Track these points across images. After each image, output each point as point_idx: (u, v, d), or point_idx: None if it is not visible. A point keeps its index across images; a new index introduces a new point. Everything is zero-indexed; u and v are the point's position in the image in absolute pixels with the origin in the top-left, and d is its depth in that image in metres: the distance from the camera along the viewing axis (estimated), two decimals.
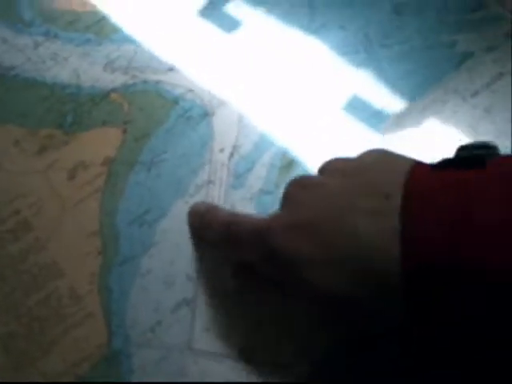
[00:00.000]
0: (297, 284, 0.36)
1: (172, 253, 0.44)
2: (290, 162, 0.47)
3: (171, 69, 0.51)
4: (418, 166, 0.34)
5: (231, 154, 0.47)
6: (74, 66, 0.50)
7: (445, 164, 0.33)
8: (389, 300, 0.32)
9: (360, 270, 0.32)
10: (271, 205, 0.45)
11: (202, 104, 0.49)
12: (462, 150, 0.36)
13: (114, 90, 0.49)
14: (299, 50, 0.51)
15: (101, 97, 0.48)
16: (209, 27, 0.52)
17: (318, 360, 0.40)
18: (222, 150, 0.47)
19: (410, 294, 0.31)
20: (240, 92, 0.49)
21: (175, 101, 0.48)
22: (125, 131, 0.47)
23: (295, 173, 0.46)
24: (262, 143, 0.47)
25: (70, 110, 0.48)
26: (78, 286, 0.42)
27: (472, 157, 0.34)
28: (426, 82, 0.49)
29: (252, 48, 0.51)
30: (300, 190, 0.37)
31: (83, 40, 0.51)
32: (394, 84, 0.49)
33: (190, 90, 0.49)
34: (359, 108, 0.49)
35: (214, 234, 0.42)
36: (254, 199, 0.46)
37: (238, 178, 0.46)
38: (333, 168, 0.38)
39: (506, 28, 0.50)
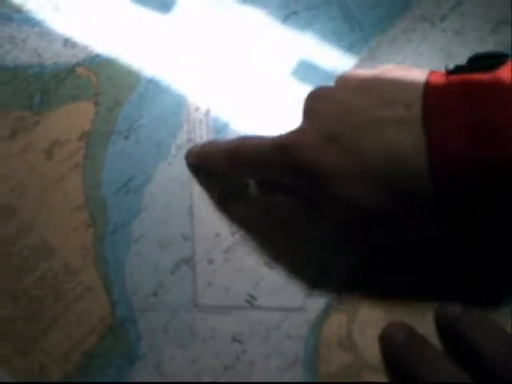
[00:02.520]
0: (325, 197, 0.36)
1: (163, 215, 0.43)
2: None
3: None
4: (433, 74, 0.34)
5: (207, 111, 0.45)
6: (34, 46, 0.48)
7: (458, 70, 0.34)
8: (420, 206, 0.33)
9: (390, 179, 0.33)
10: None
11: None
12: (474, 59, 0.36)
13: (78, 64, 0.47)
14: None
15: (66, 72, 0.47)
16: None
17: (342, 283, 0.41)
18: (197, 109, 0.46)
19: (440, 199, 0.32)
20: (187, 71, 0.48)
21: (142, 67, 0.47)
22: (96, 103, 0.46)
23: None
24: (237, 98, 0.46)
25: (36, 90, 0.46)
26: (72, 262, 0.41)
27: (484, 62, 0.34)
28: (392, 12, 0.49)
29: (192, 26, 0.50)
30: (320, 102, 0.37)
31: (38, 20, 0.49)
32: (361, 20, 0.48)
33: None
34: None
35: (220, 163, 0.41)
36: None
37: (218, 133, 0.46)
38: (351, 79, 0.37)
39: None
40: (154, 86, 0.46)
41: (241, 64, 0.48)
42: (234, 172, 0.42)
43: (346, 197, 0.34)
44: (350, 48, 0.47)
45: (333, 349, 0.38)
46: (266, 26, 0.49)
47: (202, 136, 0.46)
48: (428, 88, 0.33)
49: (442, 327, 0.38)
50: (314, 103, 0.37)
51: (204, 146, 0.43)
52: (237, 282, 0.41)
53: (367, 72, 0.38)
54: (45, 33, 0.49)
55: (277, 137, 0.37)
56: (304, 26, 0.48)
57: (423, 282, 0.40)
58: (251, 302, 0.40)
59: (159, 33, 0.49)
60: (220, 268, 0.41)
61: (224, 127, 0.46)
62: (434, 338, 0.38)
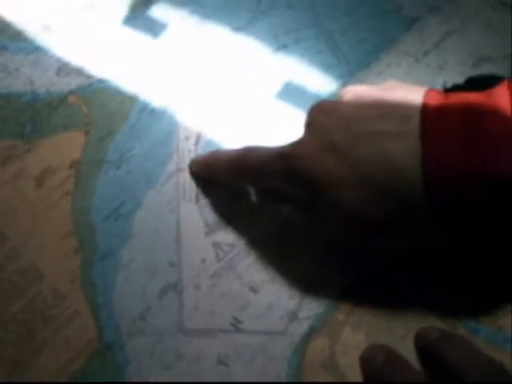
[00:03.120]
0: (325, 205, 0.37)
1: (151, 241, 0.44)
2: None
3: None
4: (431, 91, 0.36)
5: (197, 141, 0.46)
6: (27, 75, 0.49)
7: (456, 89, 0.36)
8: (415, 213, 0.34)
9: (387, 189, 0.34)
10: None
11: (162, 96, 0.48)
12: (471, 80, 0.38)
13: (70, 92, 0.48)
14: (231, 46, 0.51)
15: (58, 101, 0.48)
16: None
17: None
18: (187, 138, 0.47)
19: (434, 207, 0.33)
20: (178, 97, 0.49)
21: (135, 95, 0.48)
22: (87, 133, 0.46)
23: None
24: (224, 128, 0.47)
25: (28, 118, 0.47)
26: (61, 286, 0.42)
27: (481, 82, 0.36)
28: (378, 47, 0.50)
29: (182, 52, 0.51)
30: (322, 114, 0.38)
31: (33, 48, 0.50)
32: (347, 54, 0.49)
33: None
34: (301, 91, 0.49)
35: (224, 172, 0.42)
36: None
37: None
38: (353, 93, 0.39)
39: None
40: (145, 116, 0.47)
41: (230, 90, 0.49)
42: (237, 181, 0.43)
43: (345, 204, 0.35)
44: (337, 79, 0.48)
45: (316, 370, 0.39)
46: (257, 55, 0.50)
47: None
48: (426, 103, 0.35)
49: (422, 349, 0.39)
50: (316, 115, 0.38)
51: (208, 155, 0.44)
52: (222, 306, 0.42)
53: (368, 87, 0.39)
54: (39, 61, 0.50)
55: (279, 147, 0.38)
56: (293, 57, 0.50)
57: (413, 293, 0.42)
58: (236, 326, 0.40)
59: (150, 58, 0.50)
60: (206, 293, 0.42)
61: None
62: (414, 361, 0.39)
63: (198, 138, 0.47)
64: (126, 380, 0.39)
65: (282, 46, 0.50)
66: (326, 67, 0.49)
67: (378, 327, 0.40)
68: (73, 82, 0.49)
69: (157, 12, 0.52)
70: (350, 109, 0.37)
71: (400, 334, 0.40)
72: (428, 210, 0.34)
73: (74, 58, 0.50)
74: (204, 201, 0.45)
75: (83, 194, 0.45)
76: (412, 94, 0.36)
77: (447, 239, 0.36)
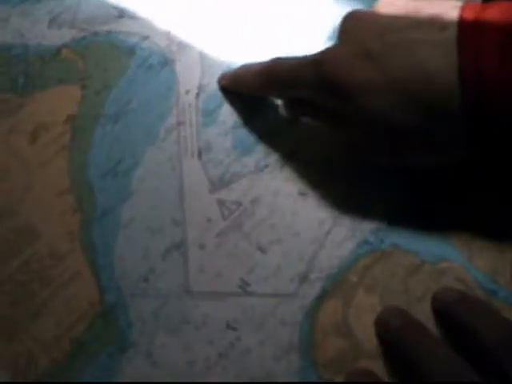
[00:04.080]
0: (353, 114, 0.36)
1: (152, 199, 0.42)
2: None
3: (121, 16, 0.48)
4: (469, 2, 0.35)
5: (197, 94, 0.45)
6: (16, 26, 0.47)
7: None
8: (448, 124, 0.34)
9: (420, 97, 0.34)
10: (247, 137, 0.44)
11: (160, 51, 0.46)
12: None
13: (63, 46, 0.46)
14: None
15: (50, 54, 0.46)
16: None
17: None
18: (187, 92, 0.45)
19: (469, 117, 0.33)
20: (199, 29, 0.47)
21: (131, 51, 0.46)
22: (83, 87, 0.44)
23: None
24: None
25: (19, 72, 0.45)
26: (59, 246, 0.40)
27: None
28: None
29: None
30: (356, 22, 0.38)
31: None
32: None
33: (145, 37, 0.47)
34: None
35: (254, 82, 0.42)
36: (229, 134, 0.44)
37: (209, 116, 0.45)
38: (389, 3, 0.38)
39: None
40: (143, 71, 0.45)
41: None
42: (267, 91, 0.42)
43: (375, 111, 0.35)
44: None
45: (329, 335, 0.38)
46: None
47: (192, 119, 0.45)
48: (463, 12, 0.34)
49: (438, 312, 0.37)
50: (351, 23, 0.38)
51: (237, 68, 0.44)
52: (229, 267, 0.40)
53: None
54: (27, 12, 0.47)
55: (310, 55, 0.38)
56: None
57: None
58: (244, 288, 0.39)
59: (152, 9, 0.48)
60: (212, 253, 0.40)
61: (214, 110, 0.45)
62: (430, 324, 0.38)
63: (199, 91, 0.45)
64: (130, 342, 0.38)
65: None
66: None
67: (392, 289, 0.39)
68: (66, 36, 0.47)
69: None
70: (385, 17, 0.36)
71: (416, 296, 0.39)
72: (463, 120, 0.33)
73: (66, 8, 0.46)
74: (207, 156, 0.43)
75: (79, 149, 0.43)
76: (449, 4, 0.35)
77: (481, 155, 0.35)
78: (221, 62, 0.46)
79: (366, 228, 0.41)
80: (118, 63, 0.46)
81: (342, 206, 0.42)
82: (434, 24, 0.34)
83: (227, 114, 0.45)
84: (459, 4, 0.35)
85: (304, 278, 0.40)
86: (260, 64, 0.41)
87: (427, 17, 0.35)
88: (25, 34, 0.47)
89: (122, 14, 0.48)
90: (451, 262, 0.40)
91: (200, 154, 0.43)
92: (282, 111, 0.44)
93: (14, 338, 0.37)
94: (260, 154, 0.43)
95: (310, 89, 0.38)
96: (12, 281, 0.39)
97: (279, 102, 0.44)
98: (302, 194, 0.42)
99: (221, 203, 0.42)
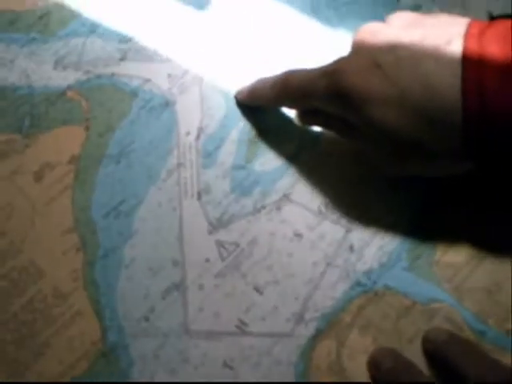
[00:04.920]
0: (362, 124, 0.38)
1: (154, 239, 0.43)
2: (257, 135, 0.46)
3: (123, 58, 0.49)
4: (475, 20, 0.36)
5: (198, 136, 0.46)
6: (22, 67, 0.47)
7: (501, 17, 0.37)
8: (450, 138, 0.35)
9: (423, 108, 0.35)
10: (245, 179, 0.45)
11: (161, 93, 0.47)
12: None
13: (69, 87, 0.47)
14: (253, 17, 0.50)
15: (56, 96, 0.47)
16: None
17: None
18: (188, 133, 0.46)
19: (470, 131, 0.34)
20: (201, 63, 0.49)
21: (134, 93, 0.47)
22: (87, 128, 0.45)
23: (263, 145, 0.46)
24: (228, 121, 0.46)
25: (25, 113, 0.46)
26: (62, 285, 0.41)
27: None
28: None
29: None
30: (369, 35, 0.39)
31: (27, 40, 0.48)
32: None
33: (147, 80, 0.48)
34: None
35: (269, 94, 0.43)
36: (227, 176, 0.45)
37: (208, 157, 0.45)
38: (399, 19, 0.40)
39: None
40: (145, 112, 0.46)
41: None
42: (281, 102, 0.44)
43: (384, 122, 0.37)
44: None
45: (323, 375, 0.39)
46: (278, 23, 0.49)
47: (192, 160, 0.46)
48: (470, 27, 0.35)
49: (428, 353, 0.39)
50: (364, 35, 0.39)
51: (253, 82, 0.45)
52: (227, 307, 0.41)
53: (415, 14, 0.40)
54: (34, 53, 0.48)
55: (323, 65, 0.39)
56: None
57: None
58: (242, 328, 0.40)
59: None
60: (210, 293, 0.42)
61: (214, 151, 0.46)
62: (422, 364, 0.39)
63: (199, 132, 0.46)
64: (131, 381, 0.39)
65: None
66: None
67: (385, 330, 0.40)
68: (70, 77, 0.47)
69: None
70: (396, 31, 0.38)
71: (408, 337, 0.40)
72: (463, 133, 0.35)
73: (72, 50, 0.48)
74: (206, 197, 0.44)
75: (83, 189, 0.44)
76: (456, 21, 0.37)
77: (481, 168, 0.37)
78: (220, 103, 0.47)
79: (359, 270, 0.42)
80: (120, 105, 0.46)
81: (335, 248, 0.42)
82: (441, 38, 0.36)
83: (226, 154, 0.46)
84: (467, 19, 0.37)
85: (299, 318, 0.41)
86: (275, 76, 0.43)
87: (435, 31, 0.36)
88: (30, 75, 0.48)
89: (124, 56, 0.49)
90: (441, 302, 0.41)
91: (200, 196, 0.44)
92: (297, 121, 0.45)
93: (17, 377, 0.38)
94: (257, 195, 0.44)
95: (322, 99, 0.39)
96: (16, 319, 0.40)
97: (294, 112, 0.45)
98: (297, 235, 0.43)
99: (219, 244, 0.43)
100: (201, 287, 0.41)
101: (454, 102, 0.34)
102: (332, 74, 0.38)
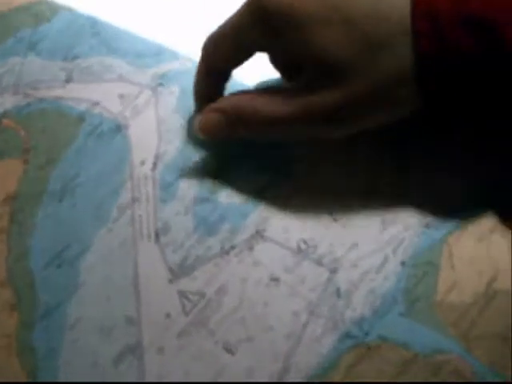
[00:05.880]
0: (297, 46, 0.35)
1: (103, 293, 0.37)
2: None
3: (68, 80, 0.43)
4: None
5: (154, 165, 0.41)
6: None
7: None
8: (398, 68, 0.33)
9: (367, 31, 0.33)
10: (211, 214, 0.40)
11: (112, 117, 0.43)
12: None
13: (4, 114, 0.43)
14: None
15: None
16: None
17: None
18: (143, 163, 0.42)
19: (419, 55, 0.32)
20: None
21: (81, 117, 0.43)
22: (26, 161, 0.41)
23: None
24: (189, 146, 0.42)
25: None
26: None
27: None
28: None
29: None
30: None
31: None
32: None
33: (96, 103, 0.43)
34: None
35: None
36: (189, 211, 0.40)
37: (167, 190, 0.41)
38: None
39: None
40: (93, 139, 0.42)
41: None
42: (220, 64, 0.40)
43: (319, 44, 0.34)
44: None
45: None
46: None
47: (148, 194, 0.41)
48: None
49: None
50: None
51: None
52: (193, 373, 0.35)
53: None
54: None
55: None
56: None
57: None
58: None
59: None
60: (173, 357, 0.36)
61: (173, 182, 0.41)
62: None
63: (156, 161, 0.42)
64: None
65: None
66: None
67: None
68: (6, 102, 0.44)
69: None
70: None
71: None
72: (412, 62, 0.33)
73: (8, 71, 0.45)
74: (165, 238, 0.39)
75: (19, 234, 0.39)
76: None
77: (431, 104, 0.34)
78: (180, 126, 0.43)
79: (348, 318, 0.37)
80: (65, 132, 0.42)
81: (319, 293, 0.38)
82: None
83: (187, 186, 0.41)
84: None
85: (280, 382, 0.34)
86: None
87: None
88: None
89: (69, 77, 0.45)
90: (447, 353, 0.36)
91: (157, 237, 0.39)
92: None
93: None
94: (225, 233, 0.39)
95: (254, 33, 0.36)
96: None
97: None
98: (273, 279, 0.37)
99: (182, 295, 0.37)
100: (160, 350, 0.36)
101: (403, 25, 0.33)
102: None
